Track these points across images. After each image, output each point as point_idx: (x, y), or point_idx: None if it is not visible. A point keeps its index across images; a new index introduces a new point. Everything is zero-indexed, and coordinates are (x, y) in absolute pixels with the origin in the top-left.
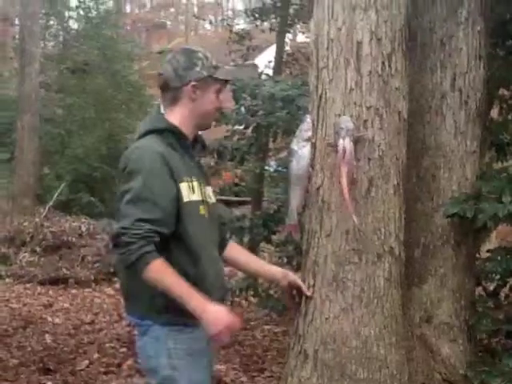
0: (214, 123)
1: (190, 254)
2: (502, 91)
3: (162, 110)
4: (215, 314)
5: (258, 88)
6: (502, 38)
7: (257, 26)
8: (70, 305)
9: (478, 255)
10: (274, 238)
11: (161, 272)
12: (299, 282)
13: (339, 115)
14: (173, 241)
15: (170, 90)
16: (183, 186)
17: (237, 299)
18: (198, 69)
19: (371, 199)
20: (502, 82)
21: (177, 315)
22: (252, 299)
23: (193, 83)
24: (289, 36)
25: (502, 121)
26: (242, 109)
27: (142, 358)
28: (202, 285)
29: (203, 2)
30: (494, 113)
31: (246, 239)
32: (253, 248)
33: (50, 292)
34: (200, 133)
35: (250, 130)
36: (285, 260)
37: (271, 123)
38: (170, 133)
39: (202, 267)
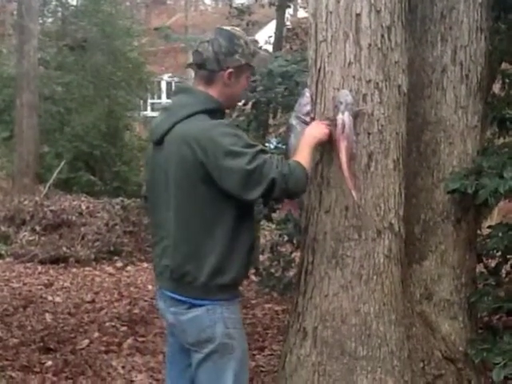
0: None
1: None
2: (505, 65)
3: (195, 86)
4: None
5: None
6: (504, 11)
7: (257, 0)
8: (70, 284)
9: (479, 232)
10: (275, 215)
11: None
12: None
13: (338, 89)
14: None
15: (206, 70)
16: None
17: None
18: (237, 56)
19: (371, 174)
20: (505, 56)
21: (232, 289)
22: (253, 277)
23: (230, 70)
24: (289, 11)
25: (505, 96)
26: None
27: (191, 330)
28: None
29: None
30: (496, 88)
31: None
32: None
33: (51, 271)
34: None
35: (249, 106)
36: (285, 238)
37: (270, 99)
38: (218, 112)
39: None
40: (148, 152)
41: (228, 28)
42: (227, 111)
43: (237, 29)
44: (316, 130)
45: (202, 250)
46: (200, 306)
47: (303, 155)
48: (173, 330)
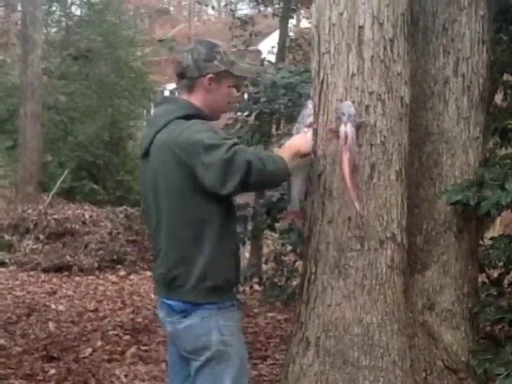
0: None
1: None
2: (507, 77)
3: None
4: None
5: (260, 76)
6: (505, 22)
7: (260, 11)
8: (73, 292)
9: (481, 242)
10: (278, 225)
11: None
12: None
13: (341, 101)
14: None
15: (187, 79)
16: None
17: (241, 287)
18: (216, 62)
19: (373, 185)
20: (506, 67)
21: (223, 295)
22: (256, 286)
23: (210, 75)
24: (292, 22)
25: (506, 106)
26: (245, 96)
27: (187, 338)
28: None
29: None
30: (498, 98)
31: (249, 227)
32: (256, 236)
33: (54, 279)
34: None
35: (252, 118)
36: (288, 248)
37: (273, 110)
38: (197, 118)
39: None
40: (140, 165)
41: (208, 39)
42: (229, 122)
43: (217, 41)
44: (298, 141)
45: (191, 255)
46: (194, 312)
47: (285, 154)
48: (172, 339)
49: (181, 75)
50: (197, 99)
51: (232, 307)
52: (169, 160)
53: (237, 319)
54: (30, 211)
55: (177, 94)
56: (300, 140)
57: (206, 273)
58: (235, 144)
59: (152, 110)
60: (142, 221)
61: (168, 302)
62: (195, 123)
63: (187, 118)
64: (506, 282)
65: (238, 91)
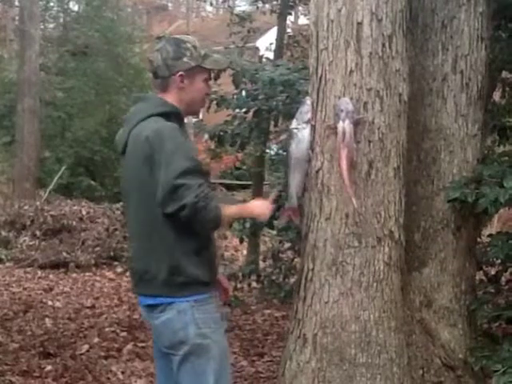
0: (214, 107)
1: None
2: (505, 74)
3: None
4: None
5: (258, 73)
6: (504, 19)
7: (258, 8)
8: (70, 289)
9: (479, 239)
10: (276, 222)
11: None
12: None
13: (339, 97)
14: None
15: (160, 78)
16: None
17: (239, 284)
18: (185, 59)
19: (371, 182)
20: (505, 64)
21: (195, 287)
22: (254, 284)
23: (180, 73)
24: (290, 18)
25: (505, 104)
26: (243, 93)
27: (165, 333)
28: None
29: None
30: (497, 96)
31: (247, 224)
32: (255, 233)
33: (51, 276)
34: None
35: (250, 115)
36: (285, 245)
37: (272, 107)
38: (174, 116)
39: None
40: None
41: (177, 36)
42: (228, 118)
43: (187, 36)
44: (258, 209)
45: (158, 249)
46: (170, 306)
47: (230, 210)
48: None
49: (154, 75)
50: (172, 97)
51: (210, 299)
52: (138, 157)
53: (215, 311)
54: (26, 207)
55: None
56: (261, 208)
57: (176, 268)
58: (193, 171)
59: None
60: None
61: (144, 298)
62: (170, 128)
63: (162, 115)
64: (503, 279)
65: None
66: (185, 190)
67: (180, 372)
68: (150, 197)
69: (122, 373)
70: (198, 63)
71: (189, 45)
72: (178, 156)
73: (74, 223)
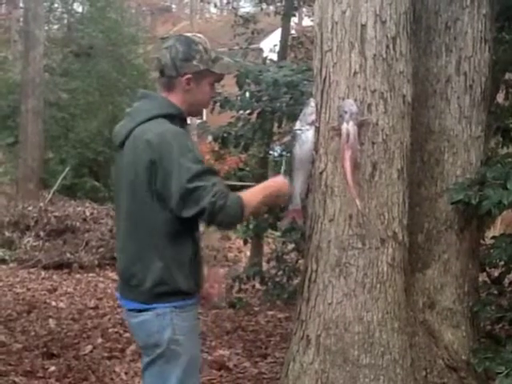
0: (218, 109)
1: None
2: (508, 76)
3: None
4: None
5: (262, 74)
6: (507, 21)
7: (262, 9)
8: (73, 289)
9: (482, 241)
10: (280, 223)
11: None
12: None
13: (343, 99)
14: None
15: (166, 77)
16: None
17: (244, 286)
18: (195, 62)
19: (375, 183)
20: (508, 66)
21: (178, 296)
22: (258, 285)
23: (188, 76)
24: (294, 20)
25: (508, 106)
26: (247, 94)
27: (140, 334)
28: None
29: None
30: (500, 97)
31: (251, 225)
32: (258, 235)
33: (54, 277)
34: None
35: (254, 116)
36: (289, 246)
37: (276, 109)
38: (178, 118)
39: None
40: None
41: (188, 34)
42: (231, 120)
43: (198, 35)
44: (279, 183)
45: (147, 255)
46: (150, 309)
47: (253, 192)
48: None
49: (160, 73)
50: (176, 98)
51: (190, 306)
52: (139, 157)
53: (194, 319)
54: (30, 208)
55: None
56: (277, 183)
57: (162, 278)
58: (205, 172)
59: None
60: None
61: (125, 301)
62: (175, 132)
63: (167, 117)
64: (506, 281)
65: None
66: (201, 192)
67: (146, 372)
68: (144, 201)
69: (126, 373)
70: (207, 67)
71: (200, 46)
72: (187, 160)
73: (78, 224)
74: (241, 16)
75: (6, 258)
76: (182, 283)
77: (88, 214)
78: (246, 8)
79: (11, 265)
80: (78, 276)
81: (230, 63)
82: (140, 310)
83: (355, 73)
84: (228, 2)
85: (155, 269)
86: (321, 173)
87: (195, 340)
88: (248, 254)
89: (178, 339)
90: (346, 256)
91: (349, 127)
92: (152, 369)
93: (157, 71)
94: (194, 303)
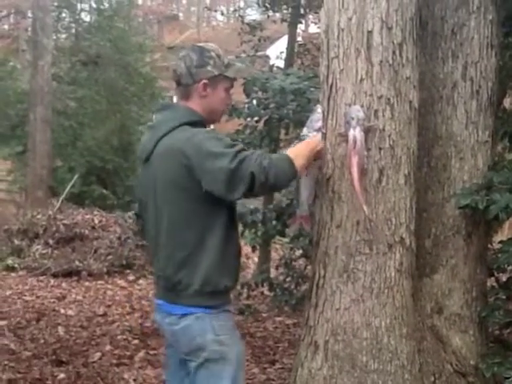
0: (225, 117)
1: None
2: None
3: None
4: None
5: (269, 81)
6: None
7: (268, 16)
8: (82, 297)
9: (490, 246)
10: (287, 230)
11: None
12: None
13: (350, 105)
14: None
15: (182, 86)
16: None
17: (252, 292)
18: (209, 67)
19: (382, 189)
20: None
21: (220, 299)
22: (266, 291)
23: (204, 81)
24: (301, 27)
25: None
26: (254, 102)
27: (183, 339)
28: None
29: None
30: (507, 102)
31: (259, 233)
32: (266, 241)
33: (63, 284)
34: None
35: (261, 123)
36: (297, 252)
37: (282, 116)
38: (200, 125)
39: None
40: (139, 172)
41: (201, 44)
42: (239, 127)
43: (210, 44)
44: (314, 140)
45: (195, 259)
46: (190, 314)
47: (298, 148)
48: (170, 341)
49: (177, 83)
50: (195, 106)
51: (225, 307)
52: (173, 165)
53: (230, 319)
54: (39, 216)
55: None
56: (316, 139)
57: (210, 278)
58: (240, 151)
59: (155, 117)
60: (136, 226)
61: (168, 306)
62: (200, 132)
63: (191, 124)
64: None
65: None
66: (244, 164)
67: (197, 377)
68: (187, 207)
69: (134, 380)
70: (221, 72)
71: (213, 53)
72: (220, 148)
73: (87, 232)
74: (247, 23)
75: (16, 265)
76: (228, 279)
77: (97, 221)
78: (253, 15)
79: (20, 273)
80: (86, 283)
81: (241, 68)
82: (182, 316)
83: (362, 79)
84: (235, 10)
85: (202, 270)
86: (328, 179)
87: (237, 337)
88: (256, 260)
89: (220, 339)
90: (353, 261)
91: (356, 133)
92: (202, 373)
93: (174, 81)
94: (229, 310)
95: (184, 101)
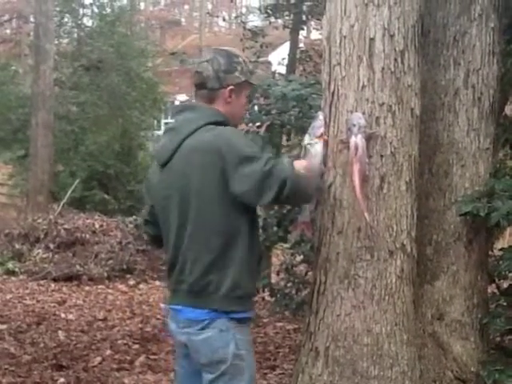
0: None
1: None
2: None
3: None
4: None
5: (271, 88)
6: None
7: (270, 22)
8: (83, 301)
9: (491, 253)
10: (289, 236)
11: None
12: None
13: (351, 112)
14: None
15: (207, 89)
16: None
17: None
18: (237, 73)
19: (383, 196)
20: None
21: (246, 303)
22: (267, 297)
23: (231, 87)
24: (302, 33)
25: None
26: (256, 108)
27: (204, 350)
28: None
29: None
30: (508, 110)
31: (260, 239)
32: (268, 247)
33: (64, 289)
34: None
35: (263, 129)
36: (298, 258)
37: (284, 122)
38: (223, 126)
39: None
40: (151, 177)
41: (226, 48)
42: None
43: (234, 49)
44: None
45: (224, 263)
46: (212, 325)
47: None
48: (185, 352)
49: (200, 85)
50: (218, 109)
51: (248, 321)
52: (201, 165)
53: (249, 333)
54: (40, 220)
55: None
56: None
57: (239, 281)
58: (271, 157)
59: (173, 119)
60: (144, 232)
61: (190, 311)
62: (231, 130)
63: (217, 124)
64: None
65: None
66: (277, 171)
67: None
68: (214, 209)
69: None
70: (247, 78)
71: (240, 59)
72: (253, 150)
73: (88, 236)
74: (249, 29)
75: (16, 270)
76: (252, 283)
77: (97, 226)
78: (255, 22)
79: (21, 277)
80: (87, 288)
81: (262, 74)
82: (202, 327)
83: (363, 86)
84: (237, 16)
85: (231, 274)
86: (329, 186)
87: (252, 354)
88: None
89: (241, 354)
90: (354, 268)
91: (357, 140)
92: None
93: (195, 84)
94: (251, 317)
95: (207, 104)
